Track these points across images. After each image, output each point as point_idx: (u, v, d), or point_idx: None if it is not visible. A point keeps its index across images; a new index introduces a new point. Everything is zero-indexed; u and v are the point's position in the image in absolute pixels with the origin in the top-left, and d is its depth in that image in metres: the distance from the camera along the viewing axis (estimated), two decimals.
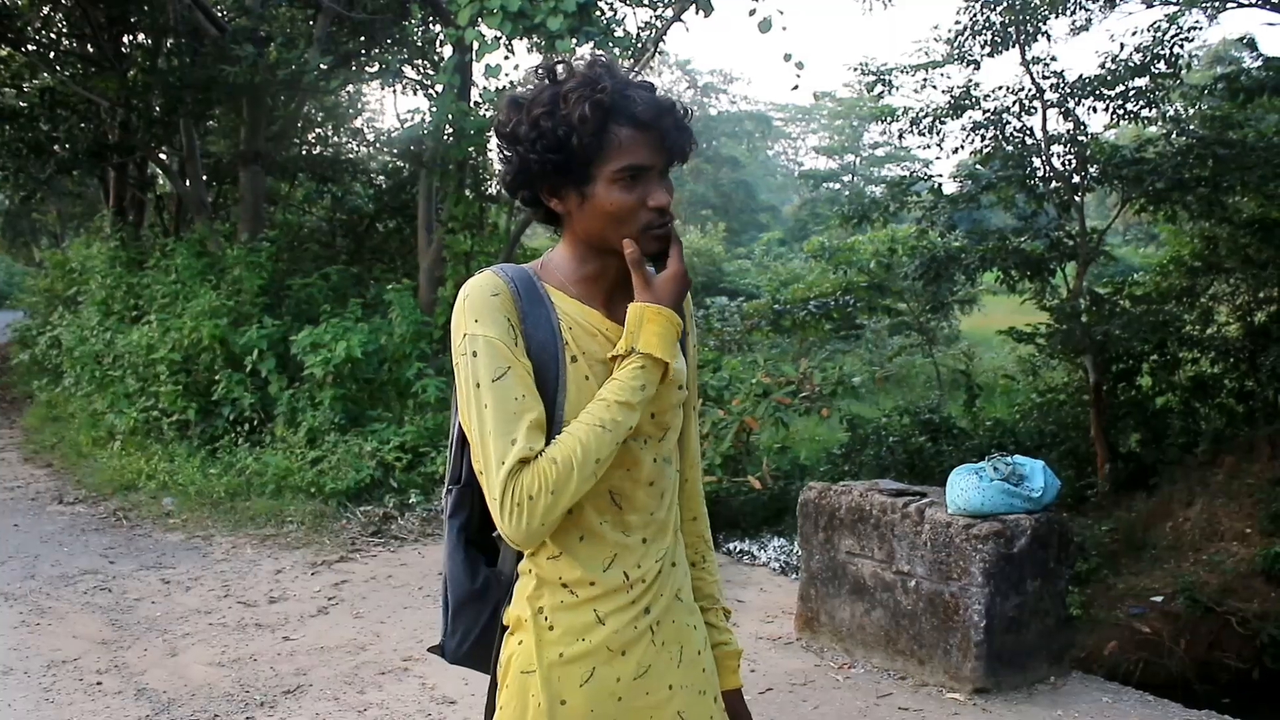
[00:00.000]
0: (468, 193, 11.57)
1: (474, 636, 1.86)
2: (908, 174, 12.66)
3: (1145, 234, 22.30)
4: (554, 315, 1.76)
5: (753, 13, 9.32)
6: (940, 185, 11.83)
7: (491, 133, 10.17)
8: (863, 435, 10.43)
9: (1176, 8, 10.29)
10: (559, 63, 1.73)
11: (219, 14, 12.08)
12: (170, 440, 9.56)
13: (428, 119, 10.63)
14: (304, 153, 15.95)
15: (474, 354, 1.69)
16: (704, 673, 1.89)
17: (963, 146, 10.57)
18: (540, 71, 1.74)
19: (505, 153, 1.76)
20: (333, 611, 5.85)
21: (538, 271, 1.81)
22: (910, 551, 4.70)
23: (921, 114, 11.07)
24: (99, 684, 4.83)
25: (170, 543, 7.28)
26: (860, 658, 4.90)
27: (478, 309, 1.71)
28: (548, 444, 1.68)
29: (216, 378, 9.53)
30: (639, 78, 1.74)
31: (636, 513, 1.78)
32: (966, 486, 4.61)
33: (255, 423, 9.38)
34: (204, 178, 13.61)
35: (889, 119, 12.02)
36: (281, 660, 5.10)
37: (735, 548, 9.99)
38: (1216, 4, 10.54)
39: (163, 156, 13.72)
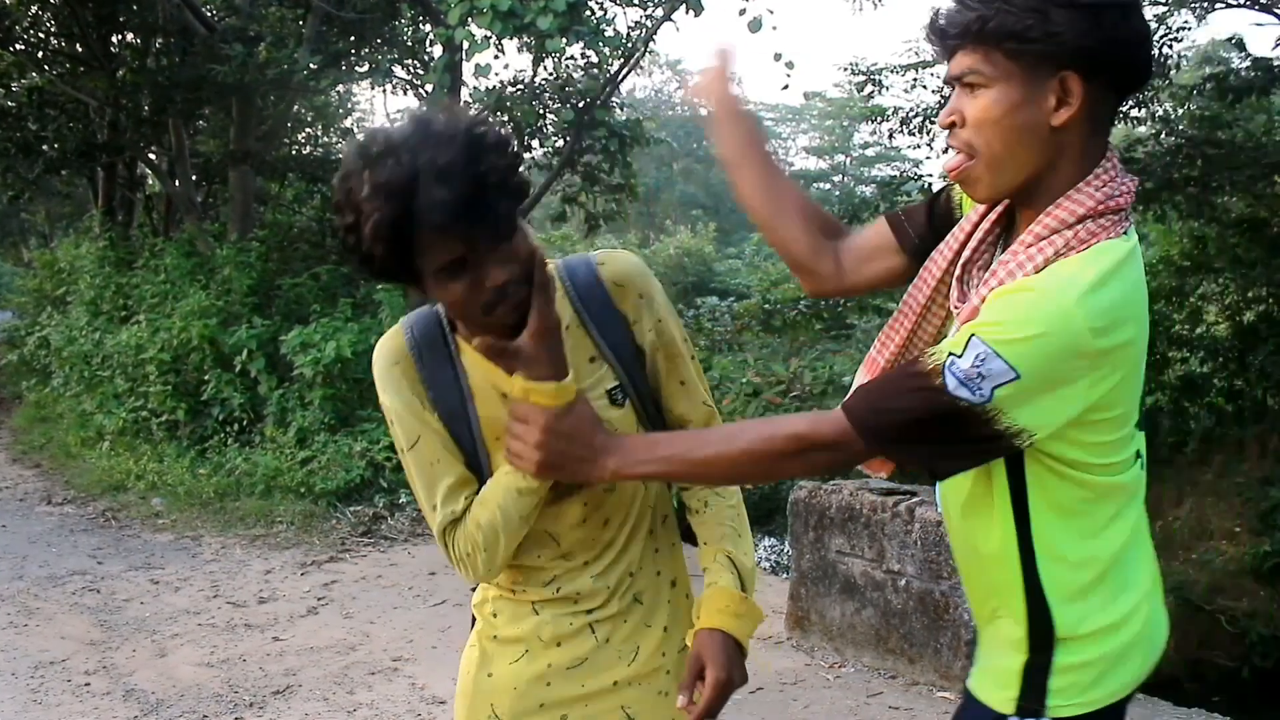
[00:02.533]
0: None
1: None
2: (898, 174, 12.69)
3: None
4: (461, 378, 1.74)
5: (743, 12, 9.34)
6: (930, 185, 11.84)
7: None
8: None
9: (1166, 8, 10.32)
10: (374, 133, 1.57)
11: (208, 13, 12.03)
12: (159, 440, 9.54)
13: None
14: (294, 152, 15.92)
15: (392, 422, 1.76)
16: (668, 675, 1.87)
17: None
18: (355, 156, 1.57)
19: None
20: (322, 612, 5.83)
21: (450, 320, 1.77)
22: (901, 550, 4.70)
23: (912, 114, 11.10)
24: (87, 685, 4.82)
25: (159, 543, 7.26)
26: (851, 657, 4.90)
27: (383, 381, 1.76)
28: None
29: (206, 378, 9.50)
30: (466, 123, 1.56)
31: (575, 544, 1.81)
32: None
33: (245, 423, 9.35)
34: (193, 177, 13.58)
35: (879, 119, 12.07)
36: (271, 661, 5.09)
37: None
38: (1205, 4, 10.57)
39: (152, 156, 13.69)
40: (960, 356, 1.44)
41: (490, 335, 1.64)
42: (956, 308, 1.65)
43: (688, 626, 1.87)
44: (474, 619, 1.93)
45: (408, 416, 1.73)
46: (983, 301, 1.52)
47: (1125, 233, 1.53)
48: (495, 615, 1.87)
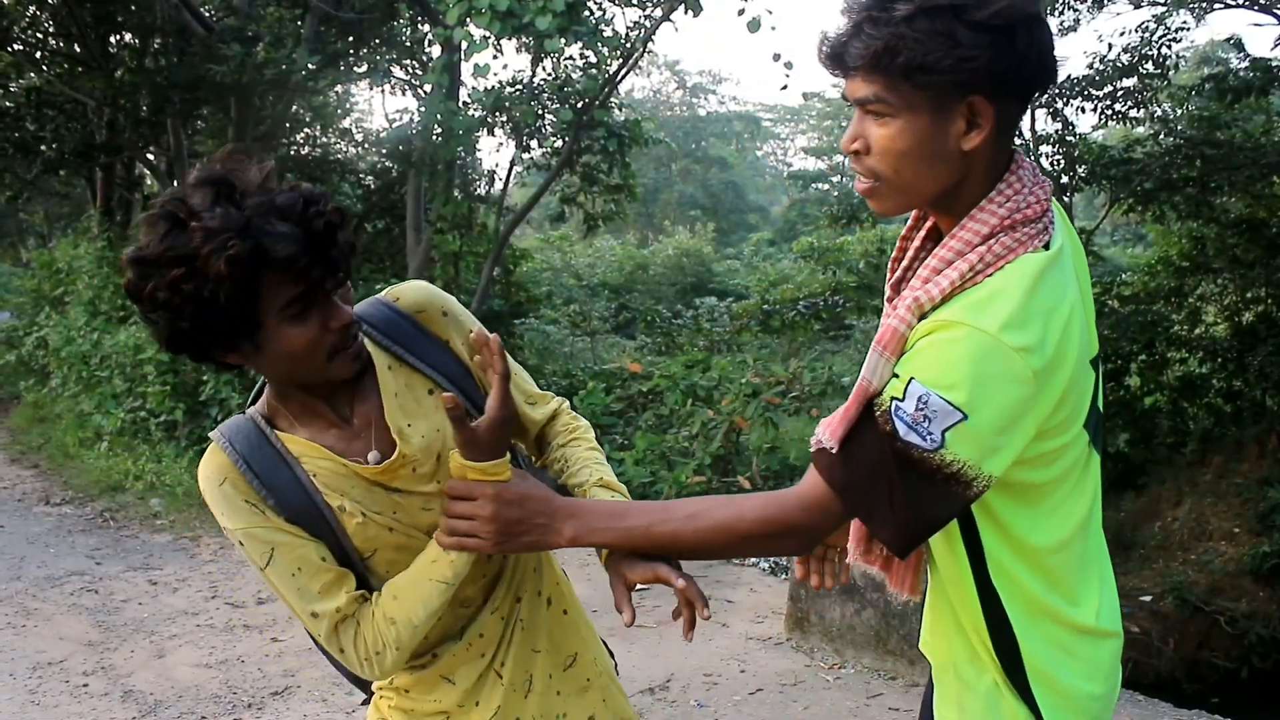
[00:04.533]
0: (456, 193, 11.57)
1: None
2: None
3: (1133, 234, 22.34)
4: (299, 472, 1.65)
5: (742, 12, 9.33)
6: None
7: (473, 133, 10.12)
8: None
9: (1164, 8, 10.34)
10: (173, 208, 1.52)
11: (206, 13, 12.03)
12: (158, 441, 9.52)
13: (416, 119, 10.62)
14: (292, 153, 15.90)
15: (240, 544, 1.66)
16: (558, 695, 1.87)
17: None
18: (159, 219, 1.52)
19: (149, 316, 1.55)
20: None
21: (266, 416, 1.71)
22: None
23: None
24: (85, 686, 4.81)
25: (157, 544, 7.25)
26: (851, 658, 4.90)
27: (215, 505, 1.66)
28: (359, 584, 1.68)
29: (204, 378, 9.48)
30: (274, 187, 1.56)
31: (471, 585, 1.77)
32: None
33: None
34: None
35: None
36: (269, 661, 5.08)
37: None
38: (1204, 5, 10.58)
39: (150, 156, 13.69)
40: (903, 400, 1.42)
41: (323, 392, 1.66)
42: None
43: (569, 643, 1.90)
44: (370, 692, 1.90)
45: (254, 533, 1.63)
46: (893, 322, 1.49)
47: (1046, 245, 1.49)
48: (407, 691, 1.82)
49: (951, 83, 1.41)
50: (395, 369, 1.72)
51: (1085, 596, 1.62)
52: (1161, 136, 10.17)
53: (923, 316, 1.47)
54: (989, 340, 1.39)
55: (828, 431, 1.52)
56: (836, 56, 1.49)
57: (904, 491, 1.45)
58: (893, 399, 1.43)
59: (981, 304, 1.42)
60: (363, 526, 1.66)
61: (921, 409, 1.40)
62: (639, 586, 1.67)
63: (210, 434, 1.71)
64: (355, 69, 13.56)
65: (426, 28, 11.93)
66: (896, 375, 1.46)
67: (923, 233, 1.66)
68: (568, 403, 2.00)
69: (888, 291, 1.67)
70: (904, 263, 1.67)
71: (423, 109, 10.68)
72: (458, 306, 1.81)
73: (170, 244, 1.49)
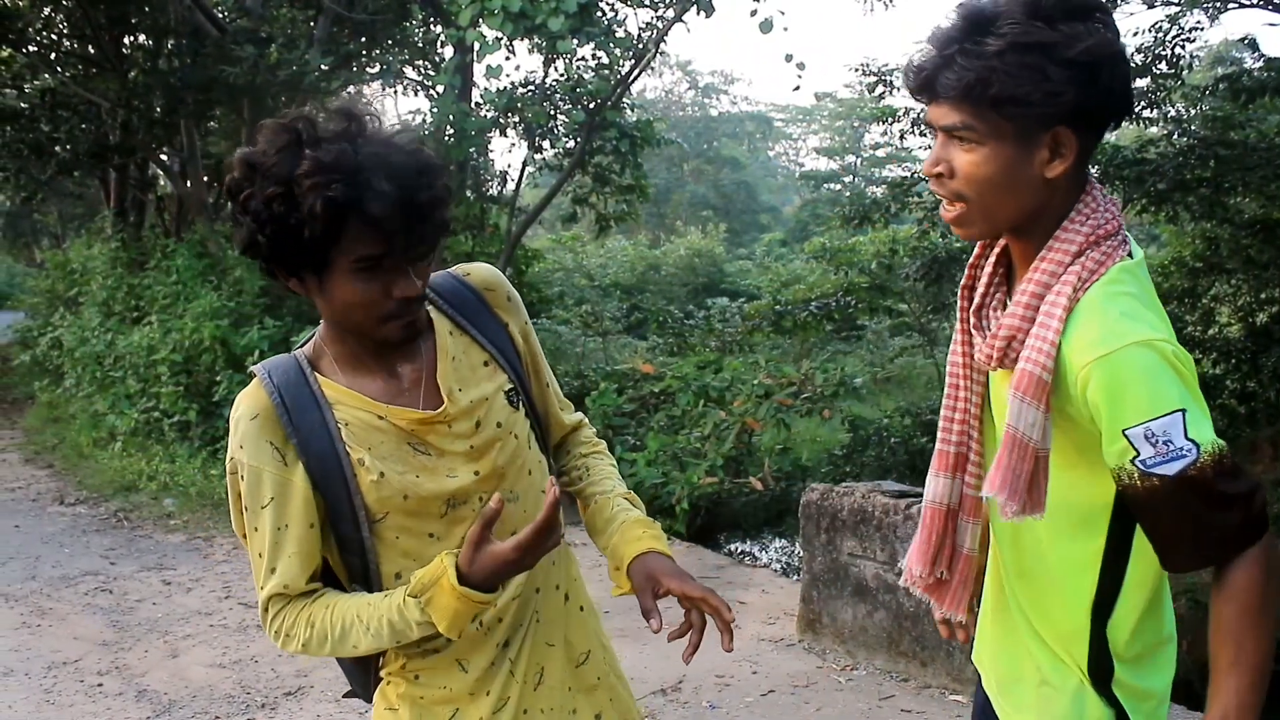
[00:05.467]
0: (468, 193, 11.58)
1: (372, 687, 1.90)
2: (909, 175, 12.65)
3: (1146, 235, 22.26)
4: (329, 418, 1.68)
5: (754, 13, 9.34)
6: None
7: (485, 133, 10.11)
8: (864, 436, 10.42)
9: (1178, 8, 10.29)
10: (302, 119, 1.58)
11: (219, 15, 12.07)
12: (171, 441, 9.56)
13: (428, 120, 10.62)
14: None
15: (241, 477, 1.69)
16: (569, 691, 1.87)
17: None
18: (280, 133, 1.58)
19: (238, 216, 1.61)
20: None
21: (311, 358, 1.74)
22: None
23: (922, 114, 11.04)
24: (100, 685, 4.83)
25: (171, 544, 7.28)
26: (863, 659, 4.89)
27: (240, 434, 1.68)
28: (318, 573, 1.72)
29: (217, 379, 9.52)
30: (407, 138, 1.61)
31: None
32: None
33: None
34: (205, 178, 13.59)
35: (890, 120, 12.02)
36: (283, 662, 5.10)
37: (736, 548, 9.99)
38: (1218, 4, 10.54)
39: (164, 157, 13.71)
40: (1138, 454, 1.46)
41: (369, 349, 1.69)
42: (980, 355, 1.66)
43: (583, 640, 1.91)
44: (377, 677, 1.87)
45: (264, 475, 1.67)
46: (1032, 369, 1.51)
47: (1129, 254, 1.56)
48: (417, 678, 1.80)
49: (1039, 115, 1.48)
50: (455, 335, 1.77)
51: (1169, 601, 1.73)
52: (1175, 137, 10.11)
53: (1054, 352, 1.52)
54: (1145, 349, 1.46)
55: (995, 492, 1.57)
56: (927, 85, 1.54)
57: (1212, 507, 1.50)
58: (1131, 460, 1.47)
59: (1116, 327, 1.48)
60: (376, 485, 1.67)
61: (1152, 440, 1.45)
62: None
63: (254, 367, 1.75)
64: (368, 70, 13.61)
65: (439, 29, 11.98)
66: (1111, 437, 1.49)
67: (993, 258, 1.71)
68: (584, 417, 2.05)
69: (971, 319, 1.71)
70: (979, 289, 1.71)
71: (435, 110, 10.70)
72: (519, 298, 1.88)
73: (280, 160, 1.54)
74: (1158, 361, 1.45)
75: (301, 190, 1.51)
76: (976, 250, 1.74)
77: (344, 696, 2.12)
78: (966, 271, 1.74)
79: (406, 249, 1.58)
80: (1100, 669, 1.66)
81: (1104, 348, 1.46)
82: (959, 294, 1.75)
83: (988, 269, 1.70)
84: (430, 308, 1.77)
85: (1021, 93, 1.46)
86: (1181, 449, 1.44)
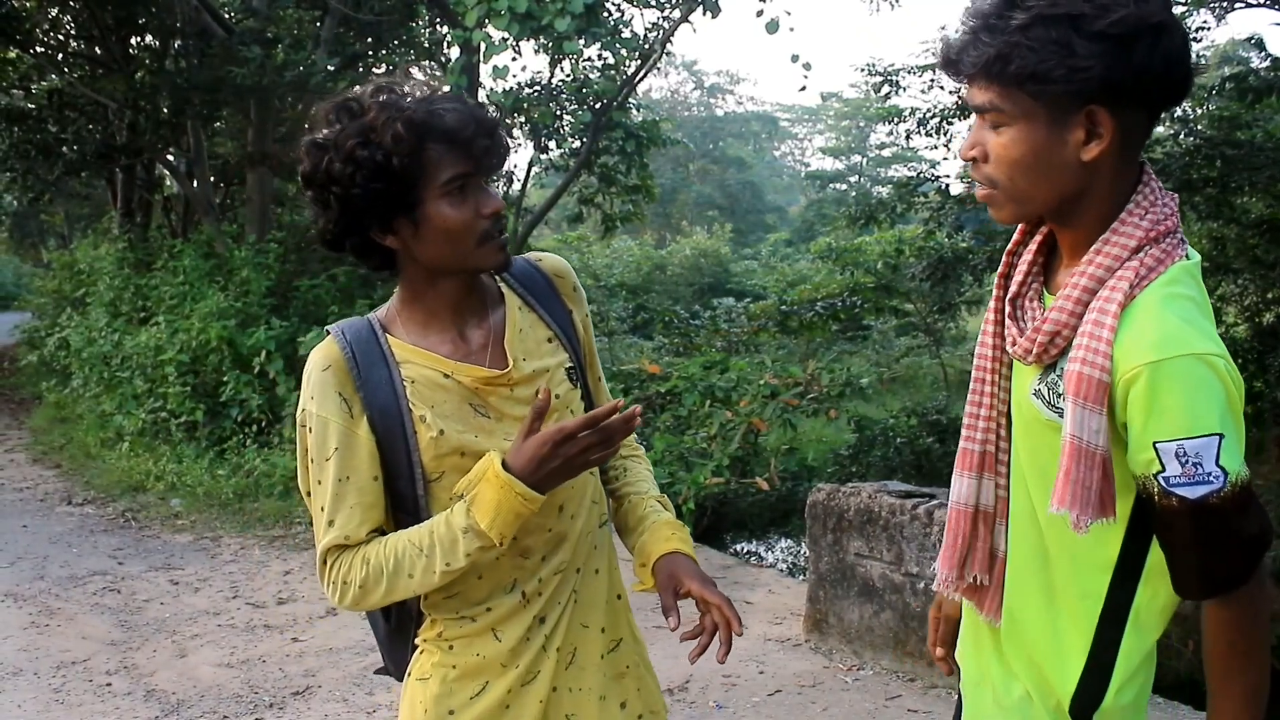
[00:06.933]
0: None
1: (407, 661, 1.92)
2: (914, 175, 12.66)
3: None
4: (395, 375, 1.74)
5: (760, 13, 9.34)
6: (947, 186, 11.82)
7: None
8: (870, 436, 10.43)
9: (1185, 8, 10.28)
10: (350, 100, 1.68)
11: (226, 16, 12.09)
12: (178, 441, 9.58)
13: None
14: None
15: (309, 429, 1.74)
16: (604, 678, 1.89)
17: None
18: (335, 111, 1.69)
19: (321, 199, 1.69)
20: (341, 613, 5.85)
21: (382, 321, 1.80)
22: (919, 553, 4.69)
23: (928, 114, 11.07)
24: (108, 685, 4.84)
25: (179, 544, 7.29)
26: (869, 659, 4.90)
27: (312, 385, 1.74)
28: (381, 527, 1.76)
29: (224, 379, 9.54)
30: (440, 91, 1.72)
31: (533, 535, 1.79)
32: None
33: (263, 424, 9.38)
34: (211, 179, 13.63)
35: (896, 119, 12.05)
36: (290, 661, 5.11)
37: (742, 548, 10.00)
38: (1224, 4, 10.52)
39: (170, 158, 13.75)
40: (1164, 469, 1.42)
41: (455, 299, 1.76)
42: (1016, 347, 1.60)
43: (618, 626, 1.93)
44: (414, 646, 1.89)
45: (332, 426, 1.72)
46: (1090, 371, 1.45)
47: (1186, 255, 1.52)
48: (451, 647, 1.83)
49: (1066, 92, 1.41)
50: (524, 311, 1.84)
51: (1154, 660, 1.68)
52: (1181, 136, 10.10)
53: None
54: (1201, 362, 1.41)
55: (1065, 508, 1.50)
56: (952, 62, 1.50)
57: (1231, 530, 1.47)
58: (1155, 474, 1.44)
59: (1174, 333, 1.42)
60: (435, 442, 1.72)
61: (1182, 460, 1.41)
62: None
63: (328, 326, 1.82)
64: (374, 71, 13.61)
65: (445, 29, 11.97)
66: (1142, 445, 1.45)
67: (1033, 246, 1.65)
68: None
69: (1006, 308, 1.65)
70: (1015, 278, 1.65)
71: None
72: (584, 292, 1.97)
73: (346, 126, 1.65)
74: (1211, 378, 1.39)
75: (379, 128, 1.62)
76: (1015, 238, 1.68)
77: (375, 673, 2.15)
78: (1003, 259, 1.68)
79: (486, 162, 1.69)
80: (1091, 691, 1.64)
81: (1159, 353, 1.40)
82: (995, 282, 1.70)
83: (1026, 257, 1.64)
84: (501, 283, 1.85)
85: (1043, 68, 1.39)
86: (1210, 474, 1.40)
